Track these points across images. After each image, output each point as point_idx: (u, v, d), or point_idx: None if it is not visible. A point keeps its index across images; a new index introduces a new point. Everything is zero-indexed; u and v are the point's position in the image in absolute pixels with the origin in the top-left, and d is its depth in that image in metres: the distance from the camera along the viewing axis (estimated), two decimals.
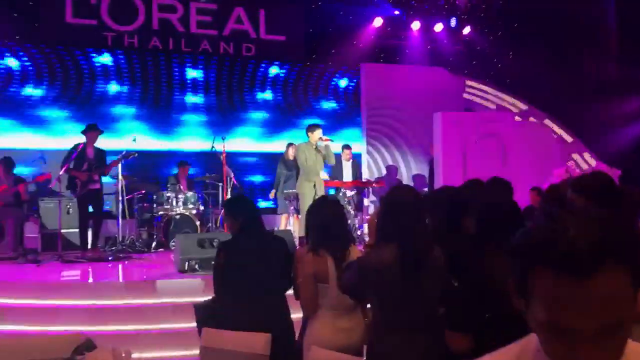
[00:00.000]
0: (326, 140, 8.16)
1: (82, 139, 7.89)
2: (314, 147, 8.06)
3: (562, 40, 11.43)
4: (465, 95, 12.07)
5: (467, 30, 11.80)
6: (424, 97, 11.20)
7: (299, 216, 8.67)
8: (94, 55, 10.51)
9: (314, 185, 8.01)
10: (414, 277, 2.51)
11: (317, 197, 7.88)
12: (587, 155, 11.88)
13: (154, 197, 9.10)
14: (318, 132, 8.11)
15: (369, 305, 3.37)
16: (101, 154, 7.96)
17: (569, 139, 11.95)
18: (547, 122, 11.88)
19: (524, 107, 12.05)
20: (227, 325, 3.37)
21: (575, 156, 11.85)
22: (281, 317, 3.56)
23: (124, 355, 2.04)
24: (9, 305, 5.70)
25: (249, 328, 3.26)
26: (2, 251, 7.83)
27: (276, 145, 11.07)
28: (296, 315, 3.63)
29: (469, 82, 12.11)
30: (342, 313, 3.24)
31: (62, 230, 7.93)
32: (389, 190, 2.84)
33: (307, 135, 8.16)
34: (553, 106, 11.68)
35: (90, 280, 6.65)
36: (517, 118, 11.32)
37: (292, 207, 9.21)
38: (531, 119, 11.87)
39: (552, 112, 11.85)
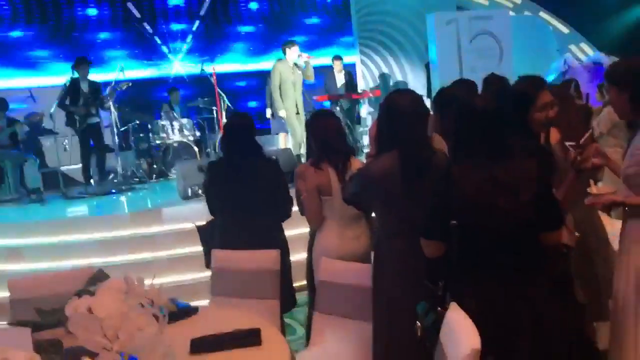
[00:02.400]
0: (306, 57, 7.82)
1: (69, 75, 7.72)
2: (291, 65, 7.78)
3: None
4: None
5: None
6: None
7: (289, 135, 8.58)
8: None
9: (296, 106, 7.79)
10: (415, 183, 2.49)
11: (299, 116, 7.85)
12: (584, 45, 11.63)
13: (149, 126, 9.02)
14: (295, 49, 7.77)
15: (374, 214, 3.41)
16: (96, 87, 7.84)
17: (565, 30, 11.66)
18: (542, 14, 11.55)
19: (517, 1, 11.67)
20: (228, 245, 3.41)
21: (572, 47, 11.60)
22: (272, 236, 3.55)
23: (136, 282, 2.05)
24: (21, 246, 5.78)
25: (244, 247, 3.29)
26: (5, 194, 7.85)
27: (266, 63, 10.81)
28: (302, 230, 3.65)
29: None
30: (347, 223, 3.28)
31: (63, 167, 7.91)
32: (386, 97, 2.76)
33: (284, 52, 7.84)
34: None
35: (97, 214, 6.70)
36: (511, 13, 10.98)
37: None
38: (526, 12, 11.53)
39: (547, 4, 11.49)
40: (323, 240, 3.32)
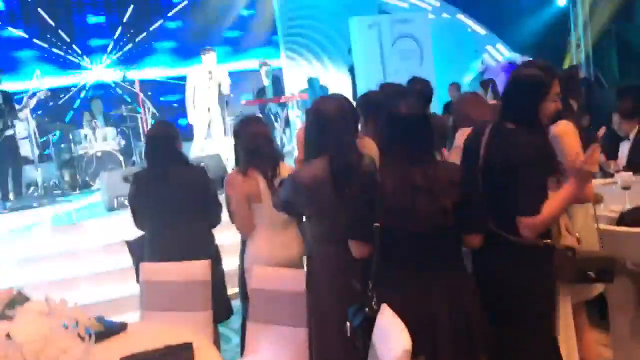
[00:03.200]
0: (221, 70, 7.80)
1: None
2: (207, 72, 7.72)
3: None
4: None
5: None
6: (338, 3, 10.96)
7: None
8: None
9: (208, 111, 7.73)
10: (345, 188, 2.51)
11: (212, 126, 7.77)
12: (500, 46, 12.14)
13: (70, 136, 8.69)
14: (210, 55, 7.73)
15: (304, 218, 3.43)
16: (8, 97, 7.47)
17: (482, 31, 12.13)
18: (460, 16, 11.97)
19: (436, 3, 12.03)
20: (158, 257, 3.35)
21: (490, 48, 12.09)
22: (203, 245, 3.52)
23: (58, 302, 1.98)
24: None
25: (175, 258, 3.24)
26: None
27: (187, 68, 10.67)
28: (235, 238, 3.62)
29: None
30: (278, 230, 3.26)
31: None
32: (315, 101, 2.76)
33: (201, 58, 7.79)
34: (464, 1, 11.73)
35: (15, 229, 6.38)
36: (430, 16, 11.32)
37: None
38: (444, 14, 11.91)
39: (464, 7, 11.92)
40: (254, 247, 3.30)
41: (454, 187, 2.23)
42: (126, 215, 5.82)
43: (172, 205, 3.45)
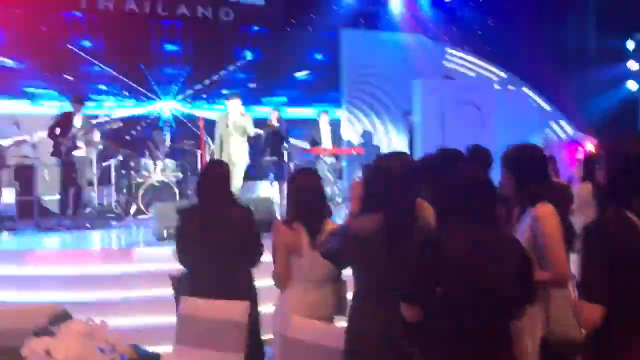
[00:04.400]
0: (245, 116, 8.04)
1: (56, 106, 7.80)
2: (231, 117, 7.97)
3: (542, 8, 11.41)
4: (445, 63, 12.03)
5: None
6: (404, 64, 11.14)
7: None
8: (69, 19, 10.23)
9: (229, 156, 7.92)
10: (398, 247, 2.50)
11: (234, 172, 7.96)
12: (564, 124, 11.99)
13: (132, 163, 9.01)
14: (233, 102, 8.02)
15: (343, 277, 3.40)
16: (87, 122, 7.94)
17: (546, 107, 12.03)
18: (525, 90, 11.93)
19: (503, 75, 12.06)
20: (197, 292, 3.39)
21: (553, 124, 11.95)
22: (242, 288, 3.53)
23: (99, 325, 2.04)
24: None
25: (213, 295, 3.26)
26: None
27: (255, 111, 10.98)
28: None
29: (449, 50, 12.06)
30: (313, 286, 3.23)
31: (40, 197, 7.83)
32: (378, 158, 2.79)
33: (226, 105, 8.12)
34: (531, 74, 11.71)
35: (68, 248, 6.60)
36: (495, 86, 11.34)
37: (271, 174, 9.20)
38: (510, 87, 11.90)
39: (531, 81, 11.89)
40: (287, 301, 3.27)
41: (516, 255, 2.22)
42: (173, 247, 5.97)
43: (215, 243, 3.50)
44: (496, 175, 3.08)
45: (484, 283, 2.18)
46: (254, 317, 3.54)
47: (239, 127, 7.98)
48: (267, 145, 9.34)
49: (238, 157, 8.00)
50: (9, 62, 9.89)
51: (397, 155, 2.86)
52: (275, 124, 9.25)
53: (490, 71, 12.09)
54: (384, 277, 2.52)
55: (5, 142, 8.15)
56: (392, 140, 11.52)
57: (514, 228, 2.79)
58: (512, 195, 2.86)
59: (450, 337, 2.22)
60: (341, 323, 3.21)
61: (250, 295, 3.51)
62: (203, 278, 3.52)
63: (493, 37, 11.56)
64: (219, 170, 3.73)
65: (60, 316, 2.62)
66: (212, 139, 8.86)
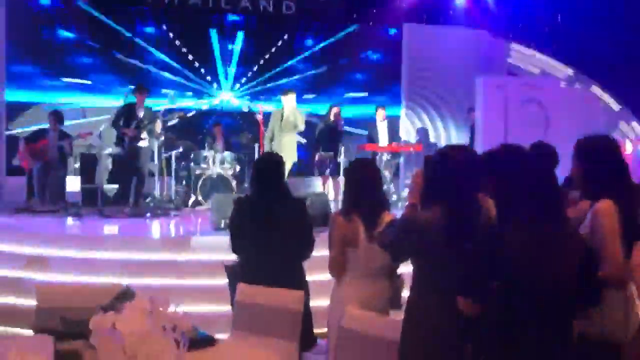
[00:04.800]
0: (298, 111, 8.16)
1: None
2: (286, 112, 8.07)
3: (614, 3, 10.93)
4: (509, 59, 11.71)
5: None
6: (467, 60, 10.91)
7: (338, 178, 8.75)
8: (136, 14, 10.53)
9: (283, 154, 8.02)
10: (459, 239, 2.44)
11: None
12: (635, 125, 11.47)
13: (192, 155, 9.19)
14: (288, 98, 8.09)
15: (398, 271, 3.35)
16: (150, 113, 8.08)
17: (616, 107, 11.54)
18: (594, 89, 11.47)
19: (570, 72, 11.64)
20: (249, 282, 3.39)
21: (623, 125, 11.45)
22: (293, 279, 3.51)
23: (162, 305, 2.05)
24: (52, 256, 5.87)
25: (264, 285, 3.26)
26: (44, 204, 8.04)
27: (312, 107, 11.02)
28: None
29: (513, 46, 11.73)
30: (369, 278, 3.21)
31: (103, 186, 8.09)
32: (441, 149, 2.74)
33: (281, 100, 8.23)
34: (601, 72, 11.24)
35: (129, 234, 6.78)
36: (562, 84, 10.95)
37: (327, 169, 9.19)
38: (577, 85, 11.48)
39: (600, 79, 11.42)
40: (342, 292, 3.26)
41: (580, 254, 2.12)
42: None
43: (267, 234, 3.51)
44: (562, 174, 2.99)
45: (545, 279, 2.12)
46: (306, 305, 3.52)
47: (291, 122, 8.04)
48: (323, 141, 9.34)
49: (287, 152, 8.05)
50: (78, 55, 10.25)
51: (459, 147, 2.81)
52: (333, 120, 9.24)
53: (556, 68, 11.69)
54: (444, 269, 2.48)
55: (73, 133, 8.45)
56: (452, 138, 11.30)
57: (580, 222, 2.68)
58: (580, 188, 2.74)
59: (508, 333, 2.14)
60: (397, 316, 3.16)
61: (301, 286, 3.49)
62: (256, 269, 3.53)
63: (560, 33, 11.17)
64: (273, 163, 3.73)
65: (125, 294, 2.67)
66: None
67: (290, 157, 8.03)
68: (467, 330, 2.22)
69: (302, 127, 8.22)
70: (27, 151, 8.16)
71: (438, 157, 2.65)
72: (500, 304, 2.15)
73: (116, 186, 8.41)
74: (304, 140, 9.86)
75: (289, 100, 8.14)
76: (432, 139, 11.23)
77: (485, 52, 11.10)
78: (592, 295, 2.22)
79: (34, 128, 8.88)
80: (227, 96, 11.08)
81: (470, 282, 2.26)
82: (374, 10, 11.15)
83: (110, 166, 8.81)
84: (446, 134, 11.40)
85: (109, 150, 8.64)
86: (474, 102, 9.64)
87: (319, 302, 3.80)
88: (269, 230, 3.51)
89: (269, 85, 11.14)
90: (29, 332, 3.96)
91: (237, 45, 11.17)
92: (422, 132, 10.86)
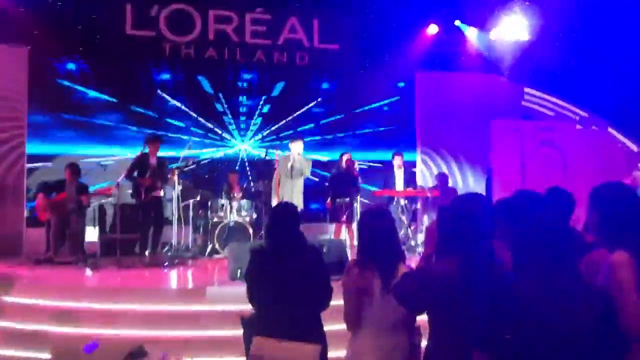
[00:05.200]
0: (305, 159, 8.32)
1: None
2: (292, 158, 8.20)
3: (624, 46, 10.98)
4: (524, 103, 11.75)
5: (525, 36, 11.50)
6: (481, 105, 10.97)
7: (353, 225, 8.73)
8: (153, 66, 10.81)
9: (282, 198, 8.16)
10: (474, 293, 2.39)
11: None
12: None
13: (209, 203, 9.25)
14: (295, 145, 8.26)
15: (416, 324, 3.28)
16: (163, 162, 8.20)
17: (634, 147, 11.45)
18: (611, 130, 11.42)
19: (585, 114, 11.63)
20: (265, 333, 3.35)
21: None
22: (311, 330, 3.45)
23: None
24: (68, 308, 5.89)
25: (281, 337, 3.21)
26: (62, 255, 8.11)
27: (327, 153, 11.10)
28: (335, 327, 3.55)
29: (527, 90, 11.79)
30: (385, 331, 3.13)
31: (121, 236, 8.14)
32: (455, 200, 2.71)
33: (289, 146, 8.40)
34: (616, 114, 11.21)
35: (146, 285, 6.79)
36: (578, 126, 10.93)
37: (344, 216, 9.17)
38: (593, 127, 11.44)
39: (616, 120, 11.38)
40: (358, 345, 3.18)
41: (596, 305, 2.08)
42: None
43: (283, 284, 3.47)
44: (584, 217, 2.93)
45: (561, 333, 2.05)
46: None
47: (298, 169, 8.15)
48: (336, 187, 9.35)
49: (295, 198, 8.15)
50: (98, 106, 10.50)
51: (473, 197, 2.78)
52: (346, 166, 9.28)
53: (571, 111, 11.68)
54: (459, 322, 2.43)
55: (91, 185, 8.57)
56: (468, 182, 11.26)
57: (595, 272, 2.62)
58: (595, 235, 2.70)
59: None
60: None
61: (319, 338, 3.43)
62: (272, 319, 3.48)
63: (574, 76, 11.21)
64: (288, 213, 3.71)
65: (137, 353, 2.65)
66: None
67: (297, 204, 8.11)
68: None
69: (308, 173, 8.38)
70: (45, 204, 8.28)
71: (451, 208, 2.63)
72: (513, 358, 2.09)
73: (134, 236, 8.47)
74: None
75: (296, 147, 8.27)
76: (450, 184, 11.20)
77: (500, 96, 11.16)
78: (618, 347, 2.15)
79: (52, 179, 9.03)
80: (243, 145, 11.22)
81: (485, 335, 2.21)
82: (387, 59, 11.31)
83: (127, 216, 8.88)
84: (463, 179, 11.37)
85: (126, 200, 8.74)
86: (490, 146, 9.64)
87: (338, 353, 3.73)
88: (284, 281, 3.47)
89: (284, 133, 11.27)
90: None
91: (252, 96, 11.37)
92: (442, 177, 10.82)
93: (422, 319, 3.31)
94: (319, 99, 11.62)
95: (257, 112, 11.32)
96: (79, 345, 3.54)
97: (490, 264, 2.48)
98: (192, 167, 8.51)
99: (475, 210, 2.55)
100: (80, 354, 3.02)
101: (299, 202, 8.24)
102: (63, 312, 5.83)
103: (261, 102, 11.35)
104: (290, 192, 8.18)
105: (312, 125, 11.54)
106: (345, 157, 9.42)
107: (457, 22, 11.32)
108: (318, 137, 11.54)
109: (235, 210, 9.01)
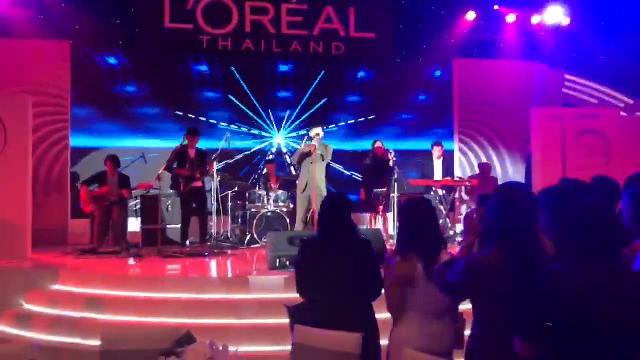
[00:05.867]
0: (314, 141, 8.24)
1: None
2: (309, 145, 8.22)
3: None
4: (565, 90, 11.49)
5: (567, 21, 11.21)
6: (521, 93, 10.78)
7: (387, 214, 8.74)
8: (191, 59, 10.93)
9: (306, 184, 8.24)
10: (521, 282, 2.39)
11: (309, 195, 8.17)
12: None
13: (247, 194, 9.36)
14: (315, 131, 8.25)
15: (460, 309, 3.28)
16: (202, 154, 8.30)
17: None
18: None
19: (629, 101, 11.31)
20: (317, 322, 3.38)
21: None
22: (362, 319, 3.46)
23: (221, 349, 2.08)
24: (113, 297, 6.05)
25: (331, 327, 3.23)
26: (106, 246, 8.32)
27: (363, 143, 11.09)
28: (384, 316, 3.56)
29: (568, 77, 11.52)
30: (430, 317, 3.14)
31: (162, 226, 8.31)
32: (500, 189, 2.70)
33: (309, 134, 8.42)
34: None
35: (188, 274, 6.92)
36: (622, 113, 10.63)
37: (380, 206, 9.16)
38: (638, 114, 11.11)
39: None
40: (402, 333, 3.20)
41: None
42: (286, 276, 6.09)
43: (336, 275, 3.48)
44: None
45: (603, 322, 2.03)
46: (377, 348, 3.48)
47: (319, 155, 8.17)
48: (372, 177, 9.33)
49: (318, 184, 8.17)
50: (138, 99, 10.69)
51: (518, 186, 2.77)
52: (379, 154, 9.24)
53: (615, 97, 11.37)
54: (503, 310, 2.42)
55: (133, 178, 8.74)
56: (507, 170, 11.10)
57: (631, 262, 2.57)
58: (631, 225, 2.64)
59: None
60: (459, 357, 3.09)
61: (370, 327, 3.46)
62: (322, 309, 3.50)
63: (617, 62, 10.89)
64: (339, 201, 3.73)
65: (185, 339, 2.71)
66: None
67: (321, 189, 8.21)
68: None
69: (329, 158, 8.45)
70: (88, 196, 8.49)
71: (497, 197, 2.62)
72: (556, 347, 2.07)
73: (175, 226, 8.63)
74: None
75: (316, 133, 8.24)
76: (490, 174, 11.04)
77: (540, 84, 10.94)
78: None
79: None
80: (279, 136, 11.29)
81: (528, 323, 2.20)
82: (424, 47, 11.19)
83: (169, 208, 9.06)
84: (501, 167, 11.21)
85: (167, 192, 8.90)
86: (530, 134, 9.47)
87: (383, 341, 3.73)
88: (335, 271, 3.49)
89: (319, 121, 11.26)
90: None
91: (288, 87, 11.39)
92: (485, 166, 10.66)
93: (467, 307, 3.32)
94: (355, 89, 11.57)
95: (293, 103, 11.35)
96: (126, 332, 3.65)
97: (536, 253, 2.46)
98: (229, 159, 8.58)
99: (520, 199, 2.54)
100: (130, 342, 3.11)
101: (322, 188, 8.27)
102: (108, 300, 6.00)
103: (297, 93, 11.37)
104: (311, 176, 8.18)
105: (348, 114, 11.50)
106: (377, 145, 9.39)
107: (496, 7, 11.09)
108: (354, 127, 11.50)
109: (272, 201, 9.09)
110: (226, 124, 10.86)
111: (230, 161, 9.19)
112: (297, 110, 11.33)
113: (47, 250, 8.20)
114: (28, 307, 6.28)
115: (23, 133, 7.77)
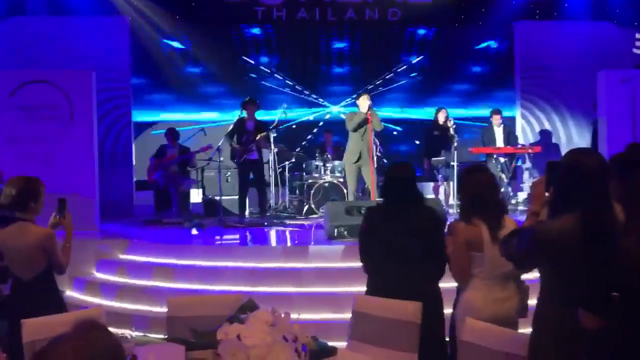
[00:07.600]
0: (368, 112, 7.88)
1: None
2: (358, 115, 7.90)
3: None
4: (635, 50, 10.87)
5: None
6: (586, 55, 10.26)
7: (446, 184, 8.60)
8: (246, 30, 10.97)
9: (359, 156, 7.87)
10: (594, 251, 2.32)
11: (362, 167, 7.90)
12: None
13: (304, 165, 9.41)
14: (362, 100, 7.92)
15: (523, 277, 3.23)
16: (260, 125, 8.34)
17: None
18: None
19: None
20: (379, 291, 3.39)
21: None
22: (425, 288, 3.45)
23: (283, 316, 2.12)
24: (178, 266, 6.25)
25: (394, 296, 3.24)
26: (170, 216, 8.56)
27: (421, 111, 10.91)
28: (449, 284, 3.54)
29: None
30: (496, 283, 3.15)
31: (222, 197, 8.48)
32: (569, 156, 2.61)
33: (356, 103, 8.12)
34: None
35: (248, 244, 7.06)
36: None
37: (440, 175, 9.03)
38: None
39: None
40: (468, 298, 3.20)
41: None
42: (344, 245, 6.12)
43: (403, 244, 3.45)
44: None
45: None
46: (439, 318, 3.48)
47: (376, 123, 7.96)
48: (434, 146, 9.17)
49: (365, 156, 7.97)
50: (195, 72, 10.85)
51: (589, 152, 2.68)
52: (443, 123, 9.05)
53: None
54: (573, 280, 2.36)
55: (194, 148, 8.91)
56: (572, 136, 10.69)
57: None
58: None
59: (629, 350, 1.98)
60: (522, 329, 3.06)
61: (433, 296, 3.46)
62: (386, 277, 3.50)
63: None
64: (405, 171, 3.69)
65: (248, 306, 2.77)
66: (379, 141, 8.96)
67: (374, 160, 8.03)
68: (588, 346, 2.10)
69: (378, 127, 8.07)
70: (156, 165, 8.69)
71: (567, 163, 2.53)
72: (622, 318, 2.00)
73: (235, 197, 8.78)
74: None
75: (363, 102, 8.01)
76: (553, 140, 10.68)
77: (607, 45, 10.37)
78: None
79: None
80: (335, 106, 11.24)
81: (594, 294, 2.13)
82: (483, 10, 10.81)
83: (228, 179, 9.22)
84: (566, 135, 10.80)
85: (227, 163, 9.04)
86: (597, 99, 9.06)
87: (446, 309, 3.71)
88: (402, 240, 3.46)
89: (377, 92, 11.15)
90: (160, 337, 4.25)
91: (344, 57, 11.29)
92: (545, 134, 10.30)
93: (529, 276, 3.26)
94: (411, 59, 11.34)
95: (349, 72, 11.25)
96: (192, 299, 3.77)
97: (606, 221, 2.37)
98: (286, 129, 8.60)
99: (591, 164, 2.44)
100: (195, 309, 3.21)
101: (373, 158, 8.10)
102: (172, 268, 6.21)
103: (353, 62, 11.26)
104: (367, 146, 8.00)
105: (405, 82, 11.31)
106: (442, 114, 9.19)
107: None
108: (411, 95, 11.32)
109: (329, 171, 9.11)
110: (282, 96, 10.88)
111: (287, 132, 9.22)
112: (353, 80, 11.23)
113: (114, 221, 8.53)
114: (98, 275, 6.58)
115: (88, 108, 8.03)
